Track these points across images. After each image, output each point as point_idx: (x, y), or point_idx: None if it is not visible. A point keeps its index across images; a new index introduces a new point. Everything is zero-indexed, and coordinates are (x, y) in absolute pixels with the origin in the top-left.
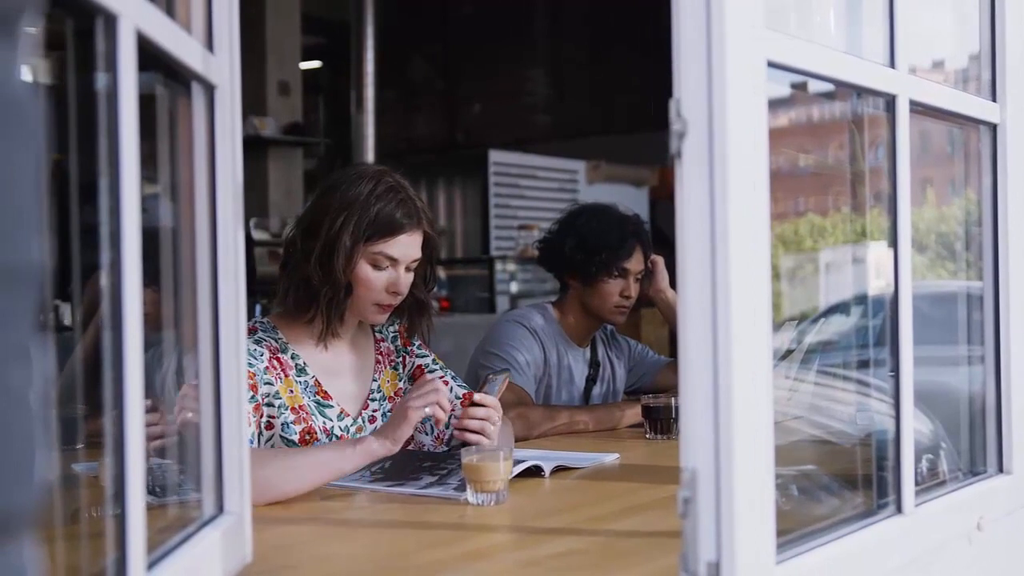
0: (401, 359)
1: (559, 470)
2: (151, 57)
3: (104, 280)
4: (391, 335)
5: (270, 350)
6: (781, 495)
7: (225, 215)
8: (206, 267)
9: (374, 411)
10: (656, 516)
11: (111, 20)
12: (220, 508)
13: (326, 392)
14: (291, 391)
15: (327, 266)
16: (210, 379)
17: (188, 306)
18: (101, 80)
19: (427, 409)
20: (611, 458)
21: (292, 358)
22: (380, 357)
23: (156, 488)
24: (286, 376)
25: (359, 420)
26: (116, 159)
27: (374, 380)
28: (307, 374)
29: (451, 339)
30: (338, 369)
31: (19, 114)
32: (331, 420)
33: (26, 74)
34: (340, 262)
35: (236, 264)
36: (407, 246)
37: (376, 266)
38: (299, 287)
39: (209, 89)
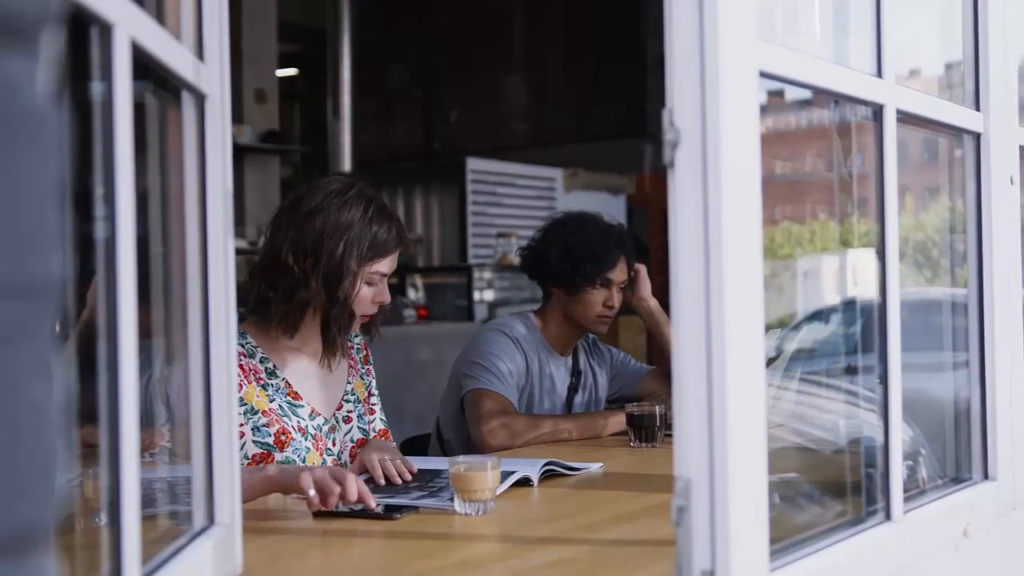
0: (365, 370)
1: (548, 476)
2: (142, 66)
3: (94, 290)
4: (356, 346)
5: None
6: (771, 504)
7: (216, 224)
8: (196, 277)
9: (349, 411)
10: (645, 524)
11: (106, 29)
12: (211, 519)
13: (297, 393)
14: (258, 395)
15: (333, 291)
16: (200, 390)
17: (176, 317)
18: (95, 88)
19: (311, 492)
20: (596, 467)
21: (261, 362)
22: (352, 362)
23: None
24: (250, 382)
25: (332, 420)
26: (111, 167)
27: (348, 382)
28: (278, 377)
29: (429, 347)
30: (311, 372)
31: (40, 126)
32: (303, 419)
33: (46, 86)
34: (347, 286)
35: (227, 273)
36: (394, 261)
37: (369, 284)
38: (300, 308)
39: (200, 98)
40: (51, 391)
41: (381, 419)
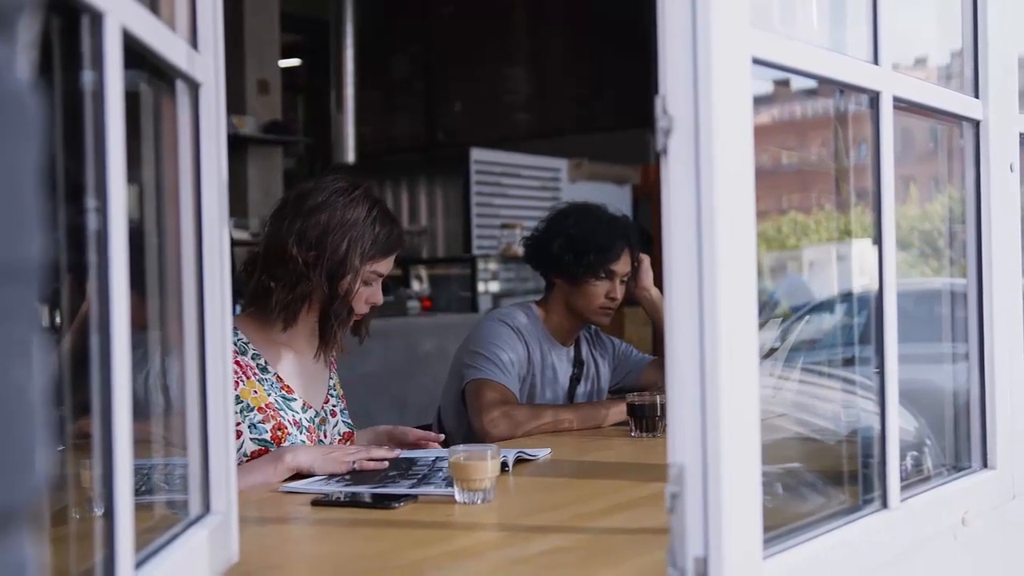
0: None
1: (519, 462)
2: (135, 55)
3: (88, 281)
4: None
5: None
6: (767, 493)
7: (210, 214)
8: (191, 267)
9: (333, 406)
10: (643, 513)
11: (97, 18)
12: (207, 507)
13: (288, 386)
14: (255, 392)
15: (334, 285)
16: (195, 380)
17: (172, 307)
18: (86, 78)
19: (355, 465)
20: (544, 453)
21: (252, 358)
22: (333, 360)
23: (140, 487)
24: (248, 378)
25: (322, 412)
26: (102, 158)
27: (331, 378)
28: (269, 372)
29: (433, 338)
30: (299, 368)
31: (18, 111)
32: (297, 413)
33: (24, 71)
34: (348, 282)
35: (222, 264)
36: (391, 263)
37: (366, 283)
38: (301, 300)
39: (194, 87)
40: (31, 374)
41: (346, 422)
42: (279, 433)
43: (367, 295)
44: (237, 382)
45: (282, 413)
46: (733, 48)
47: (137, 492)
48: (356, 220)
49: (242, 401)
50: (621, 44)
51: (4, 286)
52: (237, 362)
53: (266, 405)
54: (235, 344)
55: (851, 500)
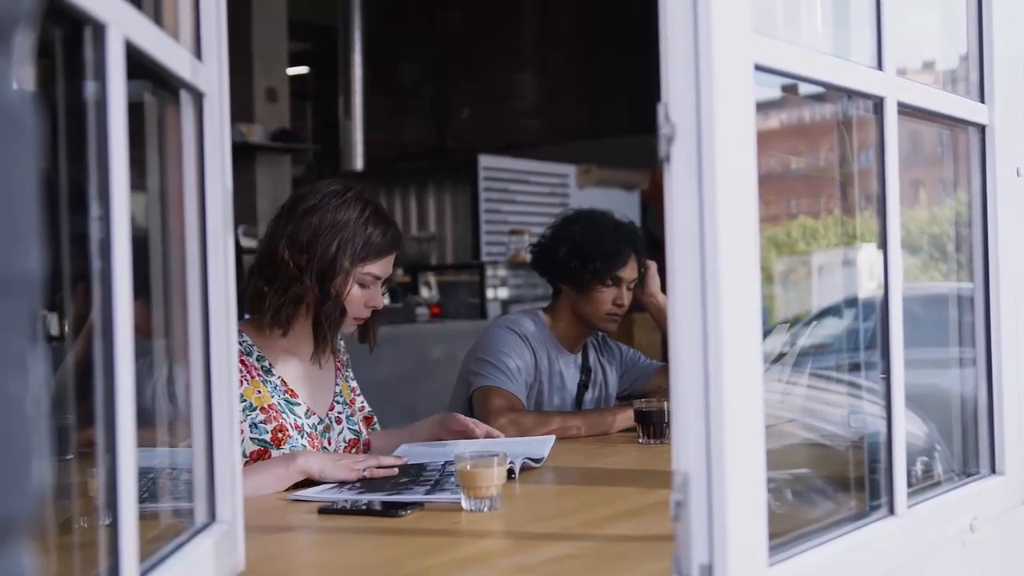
0: (349, 373)
1: (525, 469)
2: (139, 65)
3: (94, 290)
4: (342, 348)
5: None
6: (774, 499)
7: (215, 223)
8: (196, 276)
9: (339, 413)
10: (649, 520)
11: (100, 29)
12: (212, 516)
13: (293, 391)
14: (259, 392)
15: (325, 286)
16: (201, 388)
17: (178, 316)
18: (89, 88)
19: (365, 473)
20: (549, 442)
21: (258, 360)
22: (339, 365)
23: (145, 495)
24: (252, 378)
25: (326, 420)
26: (105, 167)
27: (336, 384)
28: (274, 375)
29: (442, 345)
30: (304, 374)
31: (15, 123)
32: (300, 417)
33: (21, 83)
34: (339, 283)
35: (226, 273)
36: (389, 264)
37: (362, 285)
38: (293, 303)
39: (198, 97)
40: (27, 385)
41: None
42: (279, 435)
43: (365, 298)
44: (241, 381)
45: (284, 416)
46: (735, 54)
47: (141, 499)
48: (347, 221)
49: (245, 400)
50: (628, 49)
51: (1, 299)
52: (242, 361)
53: (269, 406)
54: (240, 345)
55: (858, 506)
